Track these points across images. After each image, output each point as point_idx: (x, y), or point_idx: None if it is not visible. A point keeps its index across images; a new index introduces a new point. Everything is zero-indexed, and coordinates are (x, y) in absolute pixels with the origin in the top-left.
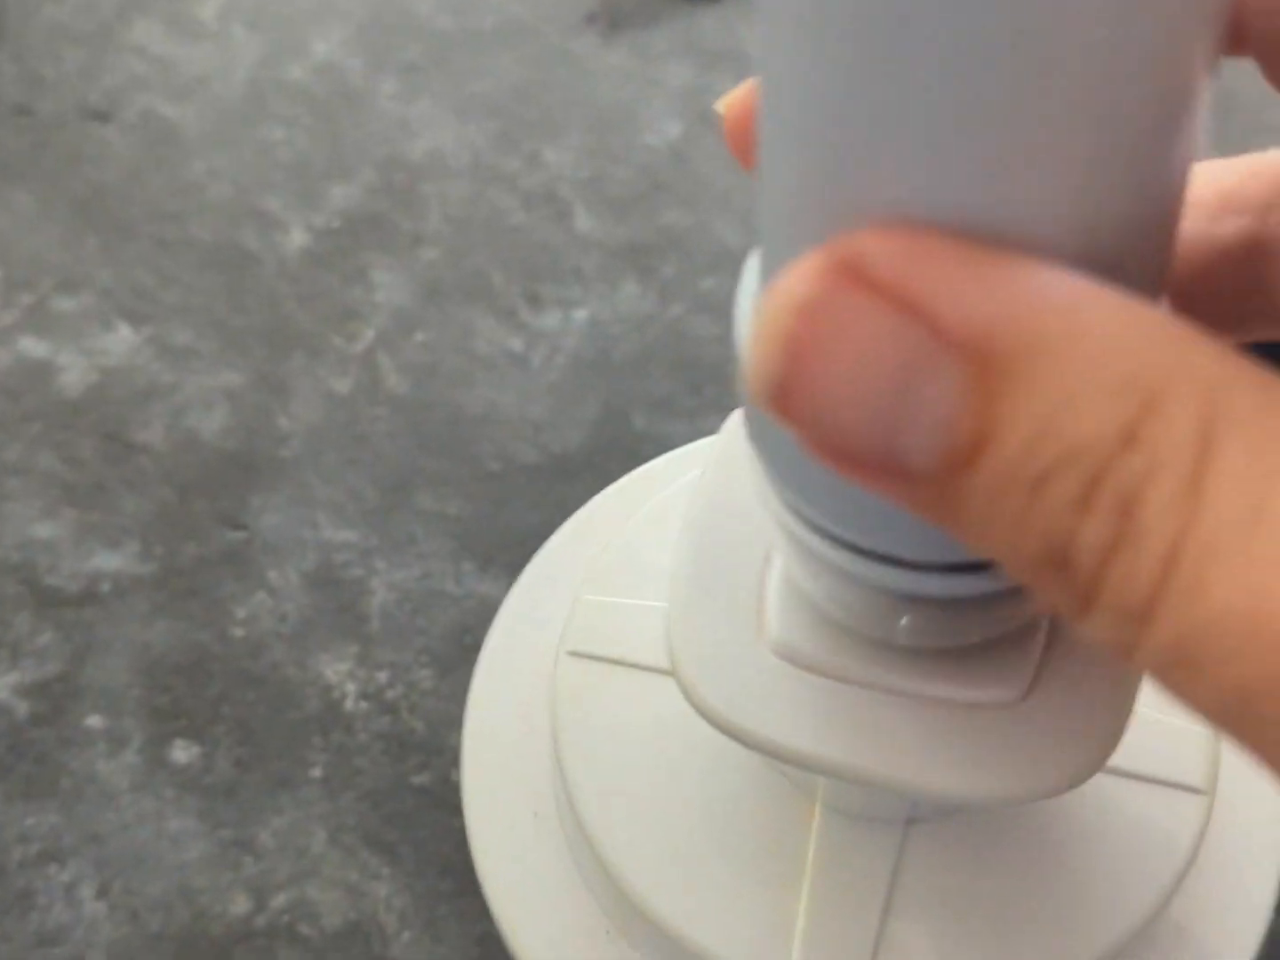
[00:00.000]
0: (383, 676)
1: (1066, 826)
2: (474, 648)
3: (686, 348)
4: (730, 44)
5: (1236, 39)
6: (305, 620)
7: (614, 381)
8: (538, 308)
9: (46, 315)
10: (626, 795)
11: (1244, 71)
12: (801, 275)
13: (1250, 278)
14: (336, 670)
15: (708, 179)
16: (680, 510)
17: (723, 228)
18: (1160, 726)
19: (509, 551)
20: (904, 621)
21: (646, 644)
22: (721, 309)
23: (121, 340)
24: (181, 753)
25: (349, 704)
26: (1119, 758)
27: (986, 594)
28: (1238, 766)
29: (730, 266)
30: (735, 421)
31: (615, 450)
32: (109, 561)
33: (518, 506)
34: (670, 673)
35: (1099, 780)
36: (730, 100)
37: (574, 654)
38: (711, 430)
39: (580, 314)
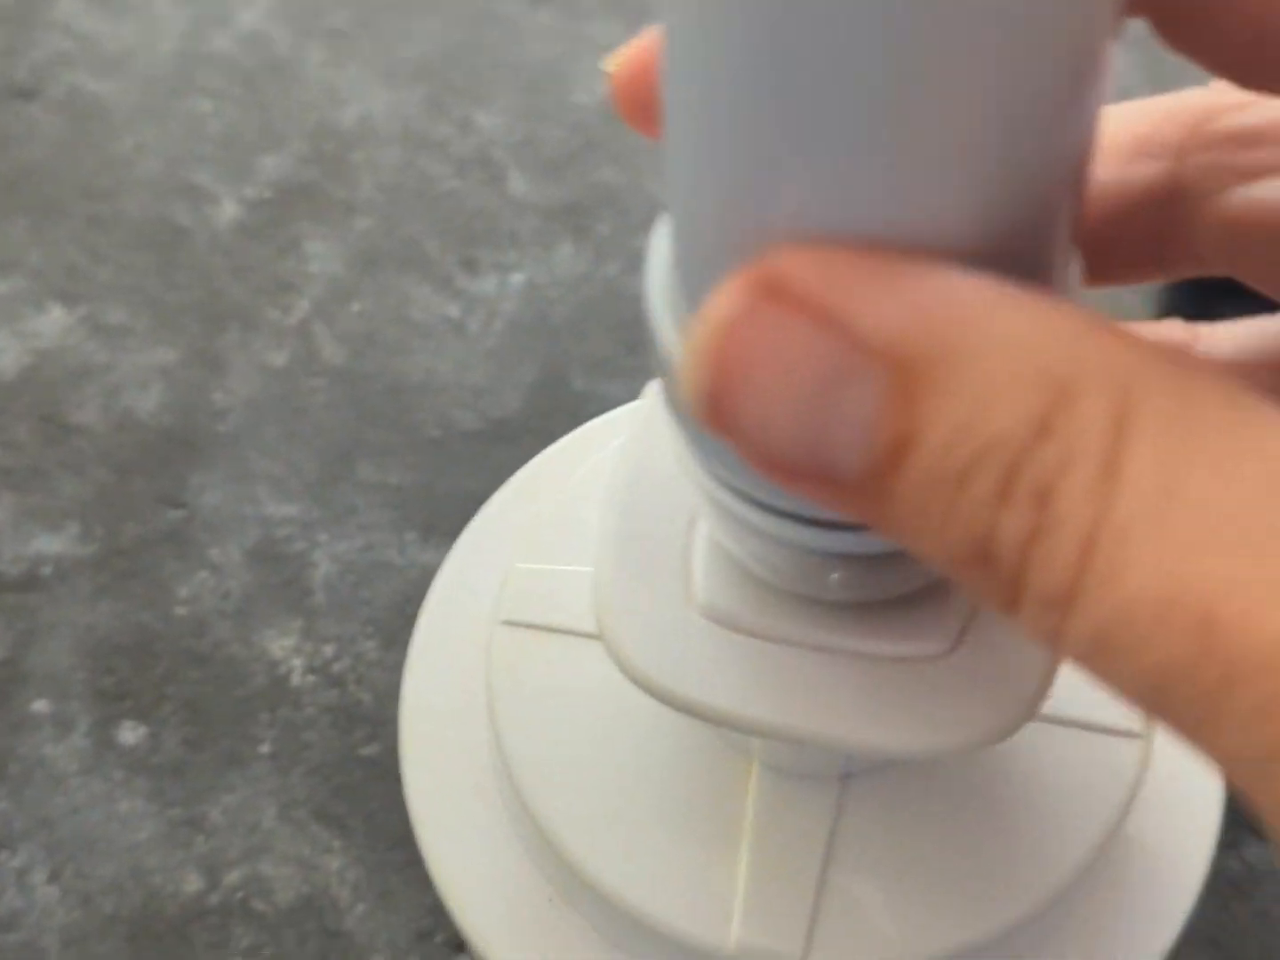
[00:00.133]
0: (328, 650)
1: (1005, 776)
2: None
3: (624, 307)
4: None
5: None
6: (248, 596)
7: (552, 344)
8: (474, 273)
9: None
10: (564, 763)
11: None
12: (725, 295)
13: (1169, 220)
14: (282, 645)
15: (640, 135)
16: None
17: (657, 184)
18: None
19: (451, 519)
20: (834, 577)
21: (581, 610)
22: None
23: (54, 321)
24: (129, 734)
25: (295, 678)
26: (1054, 705)
27: None
28: None
29: None
30: (656, 388)
31: (556, 413)
32: (49, 544)
33: (459, 473)
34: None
35: (1036, 728)
36: (620, 61)
37: (508, 623)
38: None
39: (517, 277)
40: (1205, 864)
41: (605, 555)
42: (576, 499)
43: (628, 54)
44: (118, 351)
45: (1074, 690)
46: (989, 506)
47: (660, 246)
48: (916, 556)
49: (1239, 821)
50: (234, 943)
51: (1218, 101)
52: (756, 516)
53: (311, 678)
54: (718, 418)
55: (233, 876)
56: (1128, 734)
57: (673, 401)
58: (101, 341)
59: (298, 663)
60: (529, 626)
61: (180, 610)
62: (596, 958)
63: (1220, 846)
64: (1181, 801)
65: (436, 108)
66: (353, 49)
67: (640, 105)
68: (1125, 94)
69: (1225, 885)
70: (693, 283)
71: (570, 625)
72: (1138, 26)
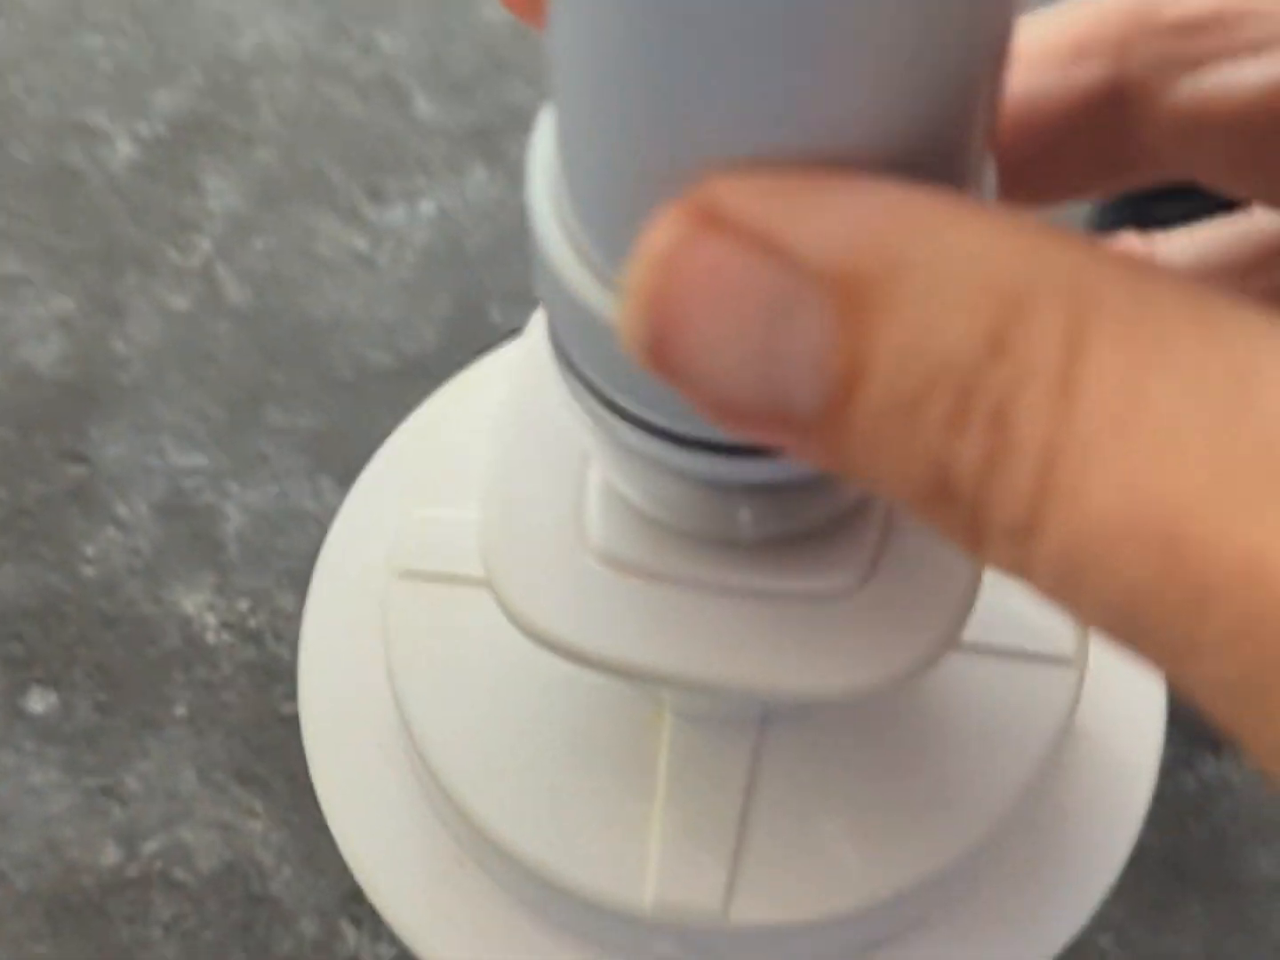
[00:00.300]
0: (243, 604)
1: (931, 711)
2: None
3: None
4: None
5: None
6: (158, 552)
7: (467, 274)
8: (381, 203)
9: None
10: (466, 719)
11: None
12: (658, 229)
13: (1114, 123)
14: (195, 602)
15: None
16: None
17: None
18: (1023, 597)
19: (368, 462)
20: (743, 514)
21: (478, 557)
22: None
23: None
24: (38, 702)
25: (210, 636)
26: (980, 633)
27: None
28: None
29: None
30: (539, 321)
31: (473, 347)
32: None
33: (374, 414)
34: None
35: (961, 659)
36: None
37: (404, 574)
38: None
39: (427, 206)
40: (1149, 787)
41: (491, 498)
42: (476, 438)
43: None
44: (13, 303)
45: (1001, 618)
46: (943, 434)
47: (545, 158)
48: (875, 494)
49: (1193, 738)
50: (155, 914)
51: None
52: (661, 449)
53: (227, 635)
54: (662, 362)
55: (151, 845)
56: (1059, 660)
57: (557, 334)
58: None
59: (212, 619)
60: (425, 577)
61: (88, 570)
62: (511, 922)
63: (1175, 764)
64: (1122, 725)
65: (337, 30)
66: None
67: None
68: None
69: (1181, 803)
70: (598, 221)
71: (468, 573)
72: None
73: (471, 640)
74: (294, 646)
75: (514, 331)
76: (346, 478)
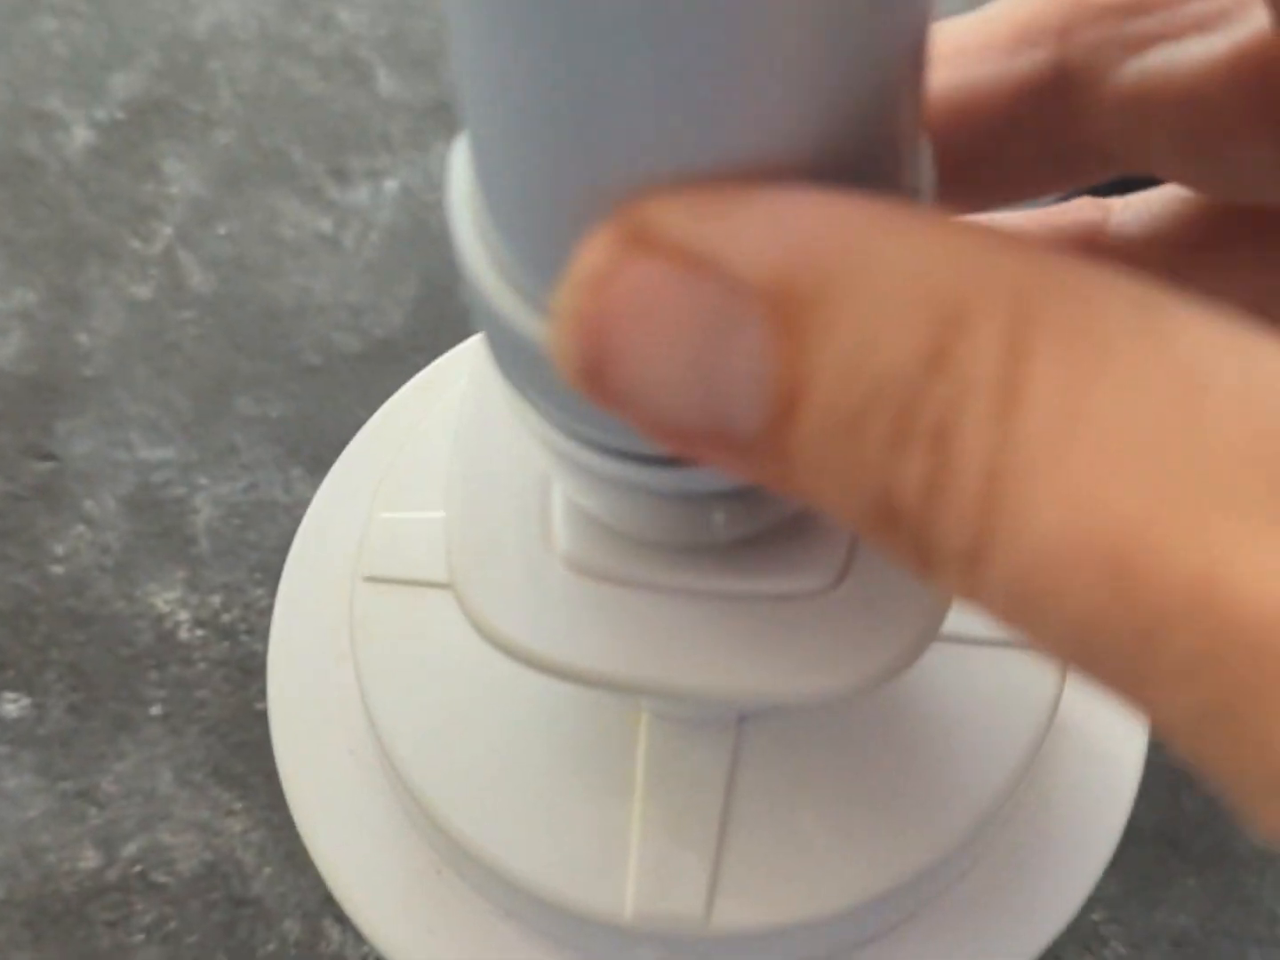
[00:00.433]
0: (216, 600)
1: (914, 705)
2: None
3: None
4: None
5: None
6: (128, 549)
7: (434, 254)
8: (345, 183)
9: None
10: (437, 726)
11: None
12: (589, 251)
13: (1059, 113)
14: (167, 599)
15: None
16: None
17: None
18: None
19: (338, 451)
20: (717, 518)
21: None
22: None
23: None
24: (11, 705)
25: (184, 633)
26: (961, 624)
27: None
28: None
29: None
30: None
31: (443, 328)
32: None
33: (343, 400)
34: None
35: (943, 650)
36: None
37: (371, 579)
38: None
39: (391, 184)
40: (1136, 776)
41: (455, 501)
42: (438, 438)
43: None
44: None
45: None
46: (885, 454)
47: (464, 175)
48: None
49: None
50: (136, 918)
51: None
52: (630, 470)
53: (200, 631)
54: (597, 387)
55: (130, 848)
56: None
57: (504, 364)
58: None
59: (185, 616)
60: (391, 581)
61: (57, 569)
62: (491, 930)
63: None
64: (1107, 713)
65: (295, 6)
66: None
67: None
68: None
69: (1173, 776)
70: (520, 242)
71: (434, 577)
72: None
73: (440, 644)
74: (268, 641)
75: None
76: (317, 466)
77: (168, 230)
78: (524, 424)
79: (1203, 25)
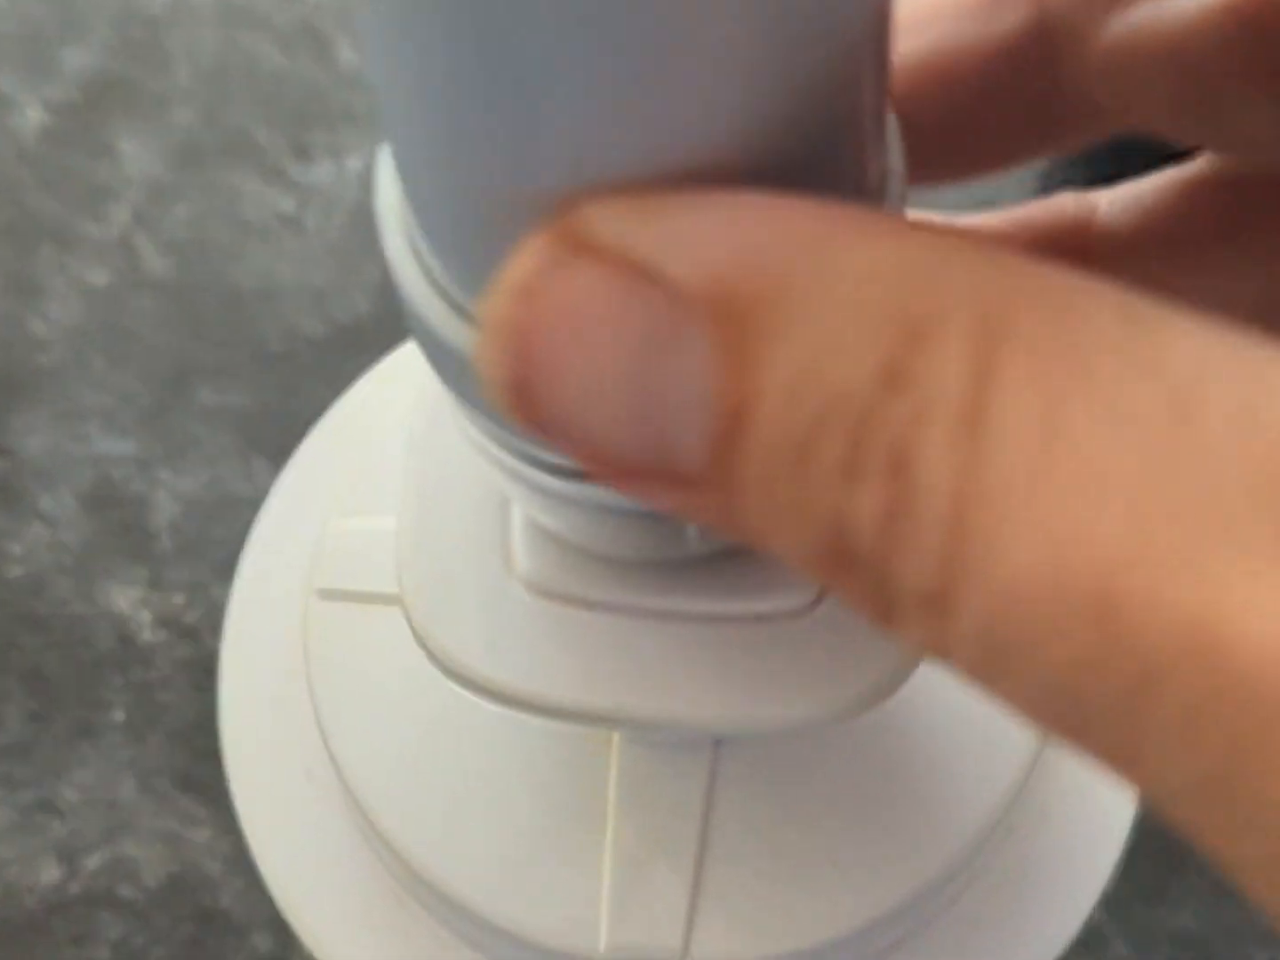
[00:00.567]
0: (179, 599)
1: (899, 726)
2: None
3: None
4: None
5: None
6: (87, 547)
7: None
8: (307, 161)
9: None
10: (397, 751)
11: None
12: (522, 256)
13: (1041, 72)
14: (128, 598)
15: None
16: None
17: None
18: None
19: (301, 441)
20: (690, 530)
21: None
22: None
23: None
24: None
25: (146, 634)
26: None
27: None
28: None
29: None
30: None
31: None
32: None
33: (308, 388)
34: None
35: (929, 671)
36: None
37: (324, 592)
38: None
39: (355, 162)
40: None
41: (406, 519)
42: (396, 440)
43: None
44: None
45: None
46: (838, 482)
47: (393, 191)
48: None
49: None
50: (101, 933)
51: None
52: (594, 493)
53: (163, 632)
54: (526, 408)
55: (93, 861)
56: None
57: (445, 379)
58: None
59: (146, 616)
60: (346, 596)
61: (14, 570)
62: None
63: None
64: None
65: None
66: None
67: None
68: None
69: None
70: (444, 246)
71: (393, 591)
72: None
73: (399, 663)
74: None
75: None
76: (281, 458)
77: (124, 213)
78: (473, 444)
79: None
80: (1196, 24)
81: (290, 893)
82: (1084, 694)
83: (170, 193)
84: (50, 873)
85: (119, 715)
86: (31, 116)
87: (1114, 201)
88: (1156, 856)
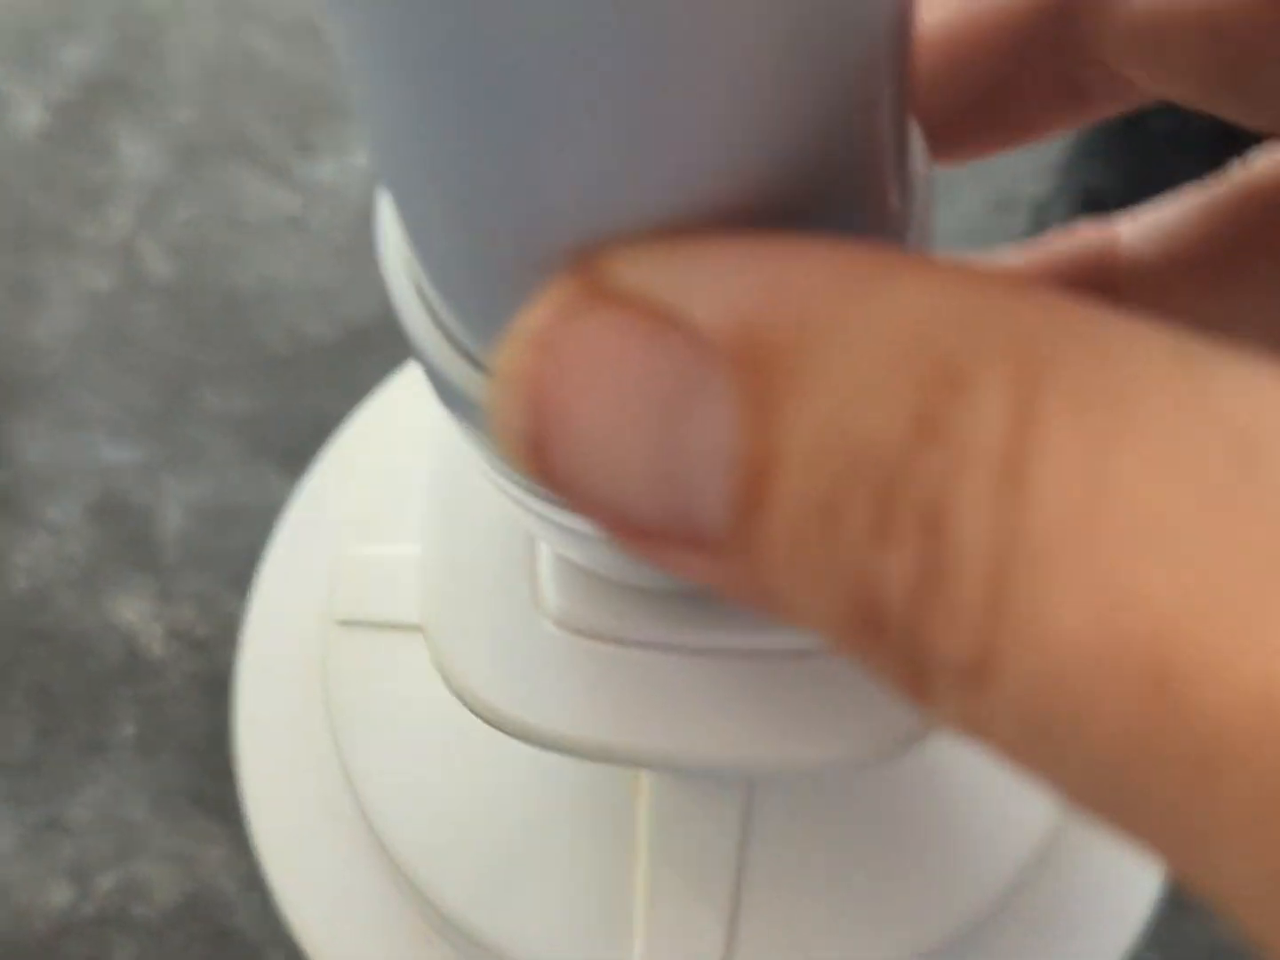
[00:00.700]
0: (189, 611)
1: (939, 762)
2: None
3: None
4: None
5: None
6: (94, 558)
7: None
8: (312, 158)
9: None
10: (421, 788)
11: None
12: (539, 304)
13: (1070, 39)
14: (137, 610)
15: None
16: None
17: None
18: None
19: (312, 445)
20: None
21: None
22: None
23: None
24: None
25: (156, 647)
26: None
27: None
28: None
29: None
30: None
31: None
32: None
33: (316, 393)
34: None
35: None
36: None
37: (344, 623)
38: None
39: (360, 159)
40: None
41: (430, 551)
42: (413, 460)
43: None
44: None
45: None
46: (867, 544)
47: (397, 236)
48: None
49: None
50: (114, 955)
51: None
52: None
53: (174, 644)
54: (542, 465)
55: (106, 881)
56: None
57: (463, 425)
58: None
59: (157, 629)
60: (369, 625)
61: (19, 582)
62: None
63: None
64: None
65: None
66: None
67: None
68: None
69: None
70: (455, 304)
71: (412, 620)
72: None
73: (420, 693)
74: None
75: None
76: (288, 464)
77: (126, 216)
78: (493, 484)
79: None
80: None
81: (313, 934)
82: (1136, 776)
83: (172, 194)
84: (61, 894)
85: (129, 730)
86: (30, 117)
87: (1136, 227)
88: None
